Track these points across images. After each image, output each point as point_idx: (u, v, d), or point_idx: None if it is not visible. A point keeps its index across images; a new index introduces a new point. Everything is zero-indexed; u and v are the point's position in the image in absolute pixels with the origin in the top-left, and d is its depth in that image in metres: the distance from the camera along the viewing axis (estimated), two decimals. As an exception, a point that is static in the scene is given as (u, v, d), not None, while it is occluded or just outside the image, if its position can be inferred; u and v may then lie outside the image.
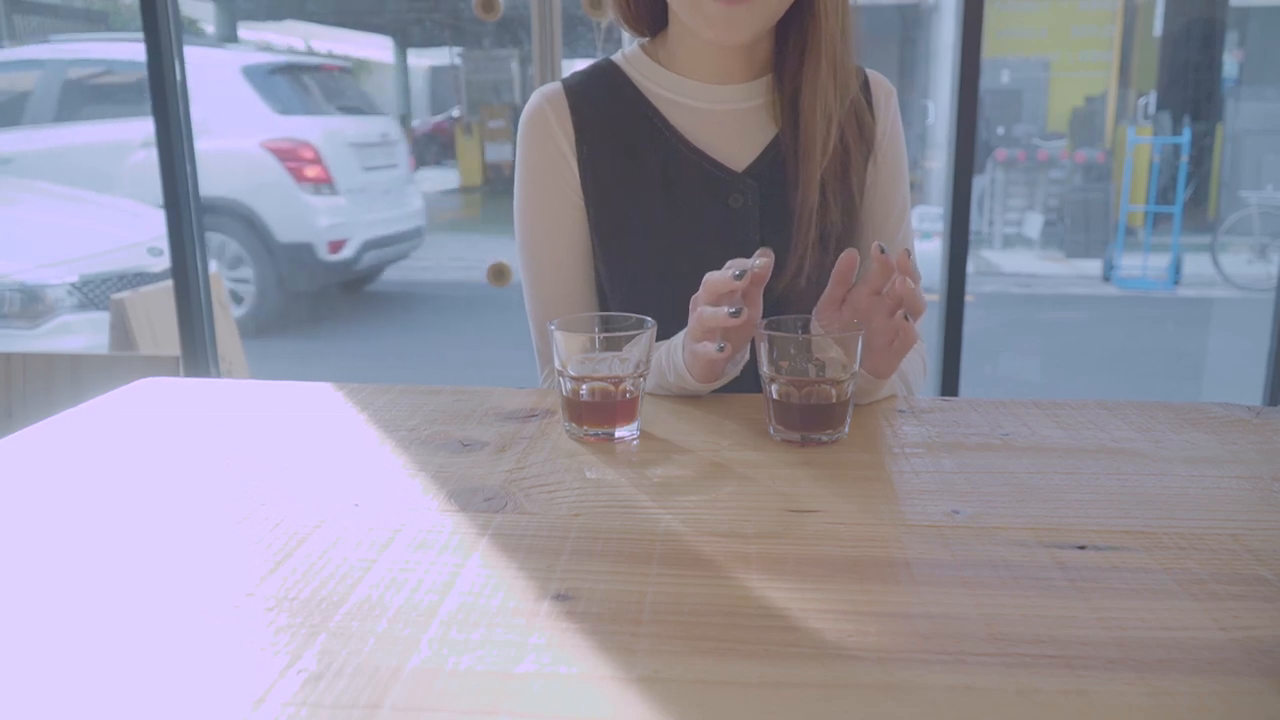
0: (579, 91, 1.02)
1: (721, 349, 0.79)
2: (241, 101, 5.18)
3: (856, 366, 0.78)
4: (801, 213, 0.97)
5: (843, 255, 0.83)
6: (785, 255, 0.96)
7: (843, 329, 0.82)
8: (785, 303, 0.95)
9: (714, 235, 0.99)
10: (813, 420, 0.78)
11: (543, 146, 1.01)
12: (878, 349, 0.82)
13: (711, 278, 0.79)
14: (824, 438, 0.78)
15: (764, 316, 0.81)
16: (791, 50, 0.98)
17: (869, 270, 0.82)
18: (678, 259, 0.99)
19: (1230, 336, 5.15)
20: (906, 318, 0.78)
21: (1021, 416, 0.86)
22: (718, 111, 1.01)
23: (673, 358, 0.88)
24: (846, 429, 0.80)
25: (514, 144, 1.05)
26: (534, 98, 1.03)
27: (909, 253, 0.77)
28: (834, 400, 0.78)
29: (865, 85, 1.03)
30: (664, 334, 0.86)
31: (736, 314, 0.77)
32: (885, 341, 0.81)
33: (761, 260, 0.78)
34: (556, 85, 1.03)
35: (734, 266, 0.78)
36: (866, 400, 0.89)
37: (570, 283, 1.03)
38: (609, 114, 1.02)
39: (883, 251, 0.79)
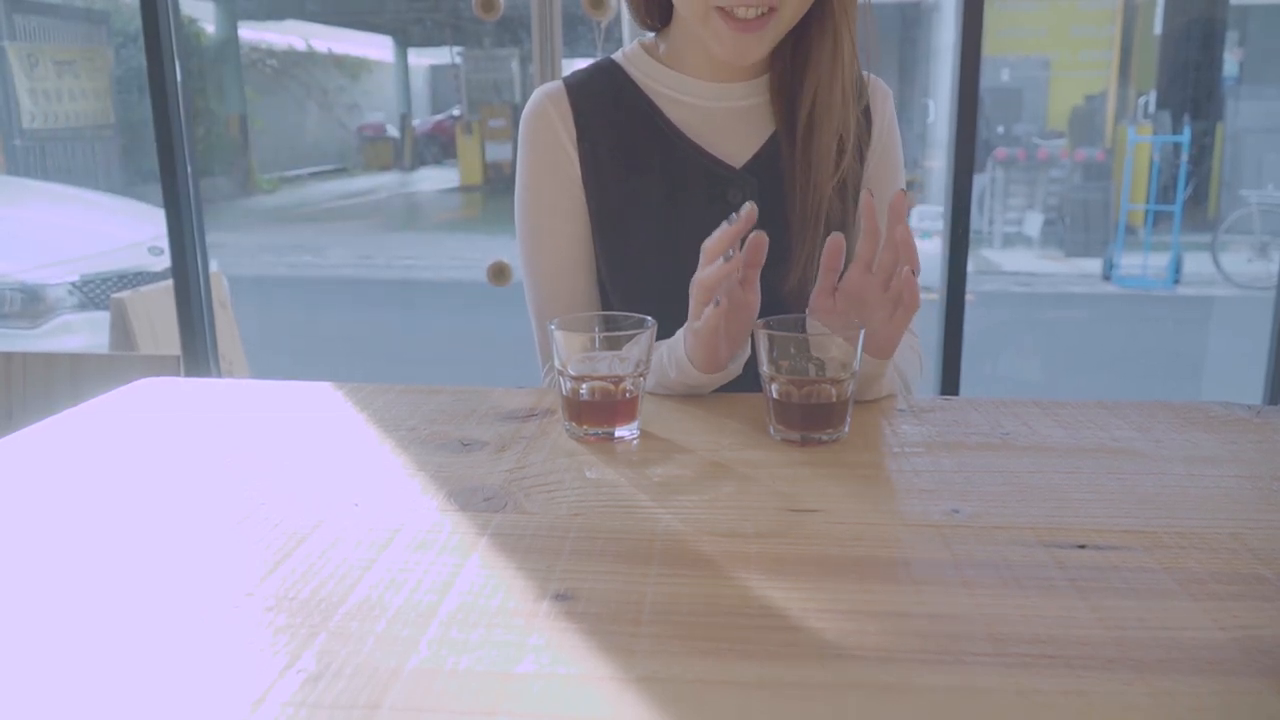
0: (580, 90, 1.03)
1: (718, 303, 0.79)
2: None
3: (857, 365, 0.78)
4: (809, 217, 0.97)
5: (829, 240, 0.83)
6: (784, 252, 0.96)
7: (840, 323, 0.82)
8: (789, 304, 0.95)
9: (713, 231, 0.99)
10: (813, 420, 0.78)
11: (545, 144, 1.01)
12: (877, 326, 0.82)
13: (705, 246, 0.80)
14: (824, 437, 0.78)
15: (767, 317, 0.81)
16: (793, 49, 0.98)
17: (857, 249, 0.82)
18: (678, 256, 0.99)
19: (1230, 335, 5.15)
20: (909, 282, 0.78)
21: (1021, 416, 0.85)
22: (717, 109, 1.01)
23: (674, 352, 0.88)
24: (846, 429, 0.80)
25: (514, 143, 1.05)
26: (536, 96, 1.03)
27: (904, 192, 0.77)
28: (834, 400, 0.78)
29: (861, 86, 1.03)
30: (665, 330, 0.86)
31: (728, 258, 0.78)
32: (886, 316, 0.81)
33: (747, 206, 0.78)
34: (558, 84, 1.03)
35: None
36: (866, 398, 0.89)
37: (572, 279, 1.04)
38: (610, 112, 1.02)
39: (871, 195, 0.80)
